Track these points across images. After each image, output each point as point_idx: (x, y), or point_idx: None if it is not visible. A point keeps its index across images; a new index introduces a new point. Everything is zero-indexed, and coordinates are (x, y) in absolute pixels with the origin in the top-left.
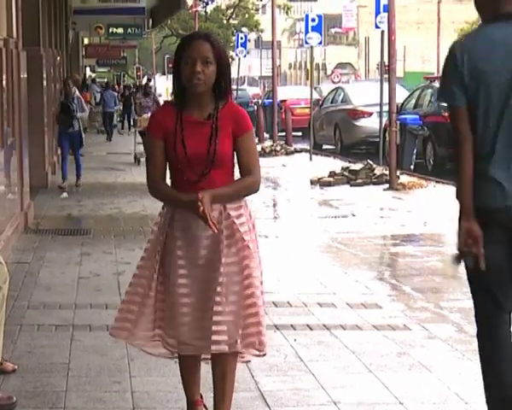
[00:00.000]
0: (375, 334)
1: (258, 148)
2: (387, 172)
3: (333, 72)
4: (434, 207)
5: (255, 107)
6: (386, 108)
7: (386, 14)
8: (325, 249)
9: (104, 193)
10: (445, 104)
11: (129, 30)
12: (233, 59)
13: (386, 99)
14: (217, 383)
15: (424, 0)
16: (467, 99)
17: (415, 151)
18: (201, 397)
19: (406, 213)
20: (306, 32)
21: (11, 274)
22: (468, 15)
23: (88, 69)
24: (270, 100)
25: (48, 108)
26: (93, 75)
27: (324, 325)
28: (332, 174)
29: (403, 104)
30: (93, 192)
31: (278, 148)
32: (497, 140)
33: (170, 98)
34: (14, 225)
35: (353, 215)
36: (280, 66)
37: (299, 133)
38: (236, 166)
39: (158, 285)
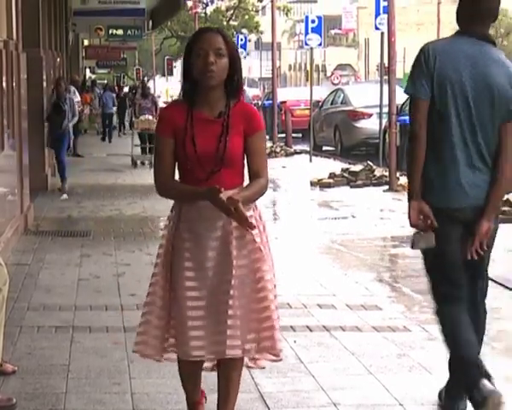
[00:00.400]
0: (375, 335)
1: None
2: (387, 174)
3: (333, 73)
4: None
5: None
6: (386, 109)
7: (385, 16)
8: (325, 251)
9: (104, 195)
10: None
11: (129, 31)
12: None
13: (386, 100)
14: (222, 387)
15: (424, 1)
16: (431, 97)
17: None
18: (202, 392)
19: (406, 215)
20: (306, 33)
21: (11, 276)
22: None
23: (88, 71)
24: (270, 101)
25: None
26: (93, 77)
27: (324, 327)
28: (332, 176)
29: (403, 106)
30: (93, 194)
31: (278, 149)
32: (461, 145)
33: (169, 99)
34: (14, 227)
35: (353, 217)
36: (280, 67)
37: (299, 135)
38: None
39: (171, 292)
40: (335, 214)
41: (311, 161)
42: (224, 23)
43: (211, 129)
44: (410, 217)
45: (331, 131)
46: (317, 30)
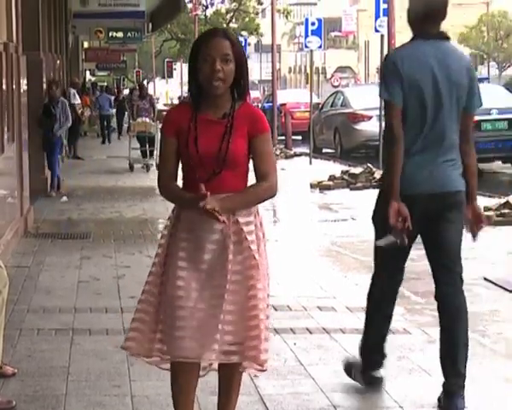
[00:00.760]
0: None
1: None
2: None
3: (332, 75)
4: None
5: None
6: None
7: (385, 18)
8: (325, 253)
9: (104, 197)
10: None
11: (129, 34)
12: None
13: None
14: (223, 389)
15: None
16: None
17: None
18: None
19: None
20: (306, 35)
21: (11, 278)
22: (467, 19)
23: (88, 73)
24: (270, 104)
25: None
26: (93, 79)
27: (324, 329)
28: (332, 178)
29: None
30: (93, 196)
31: (278, 152)
32: (428, 139)
33: (169, 102)
34: (14, 230)
35: (353, 219)
36: (280, 69)
37: (299, 137)
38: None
39: (161, 294)
40: (335, 217)
41: (310, 163)
42: (224, 25)
43: (214, 130)
44: (389, 217)
45: (331, 134)
46: (316, 32)
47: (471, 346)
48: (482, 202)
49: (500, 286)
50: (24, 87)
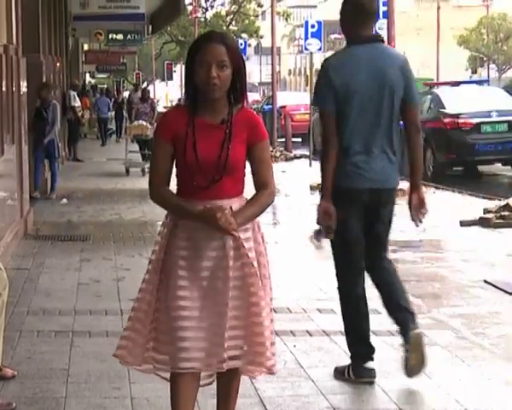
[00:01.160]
0: (375, 340)
1: None
2: None
3: None
4: (434, 214)
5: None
6: None
7: (385, 21)
8: (325, 255)
9: (104, 199)
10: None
11: (129, 36)
12: None
13: None
14: (222, 394)
15: (423, 6)
16: (336, 108)
17: None
18: None
19: (405, 220)
20: (306, 38)
21: (11, 280)
22: (467, 22)
23: (88, 75)
24: (270, 106)
25: None
26: (93, 81)
27: (324, 331)
28: None
29: None
30: (93, 198)
31: (278, 154)
32: (367, 138)
33: (169, 104)
34: (14, 232)
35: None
36: (279, 72)
37: (299, 139)
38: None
39: (156, 302)
40: None
41: (310, 165)
42: (224, 28)
43: (213, 135)
44: (319, 215)
45: None
46: (316, 35)
47: (471, 348)
48: (482, 204)
49: (500, 288)
50: (24, 89)
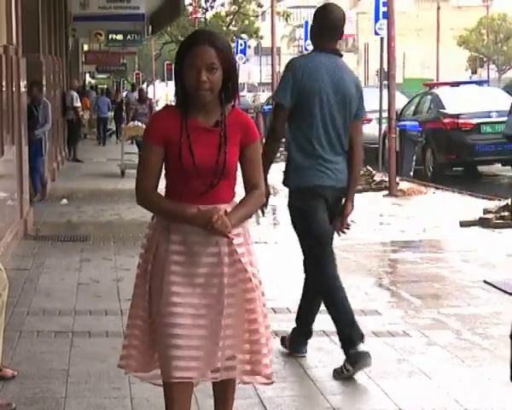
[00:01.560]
0: (375, 340)
1: None
2: (387, 179)
3: None
4: (434, 214)
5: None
6: (385, 114)
7: (385, 21)
8: None
9: (104, 199)
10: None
11: (128, 36)
12: None
13: (385, 106)
14: (219, 402)
15: (423, 7)
16: (299, 106)
17: (414, 158)
18: None
19: (406, 220)
20: (306, 38)
21: (11, 281)
22: (467, 22)
23: (88, 76)
24: (270, 106)
25: None
26: (93, 81)
27: (324, 332)
28: None
29: (402, 111)
30: (93, 198)
31: (277, 154)
32: (328, 138)
33: (169, 104)
34: (14, 232)
35: (353, 221)
36: (279, 72)
37: None
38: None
39: (152, 306)
40: None
41: None
42: (224, 28)
43: (208, 139)
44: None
45: None
46: None
47: (471, 348)
48: (482, 204)
49: (500, 289)
50: (24, 89)
